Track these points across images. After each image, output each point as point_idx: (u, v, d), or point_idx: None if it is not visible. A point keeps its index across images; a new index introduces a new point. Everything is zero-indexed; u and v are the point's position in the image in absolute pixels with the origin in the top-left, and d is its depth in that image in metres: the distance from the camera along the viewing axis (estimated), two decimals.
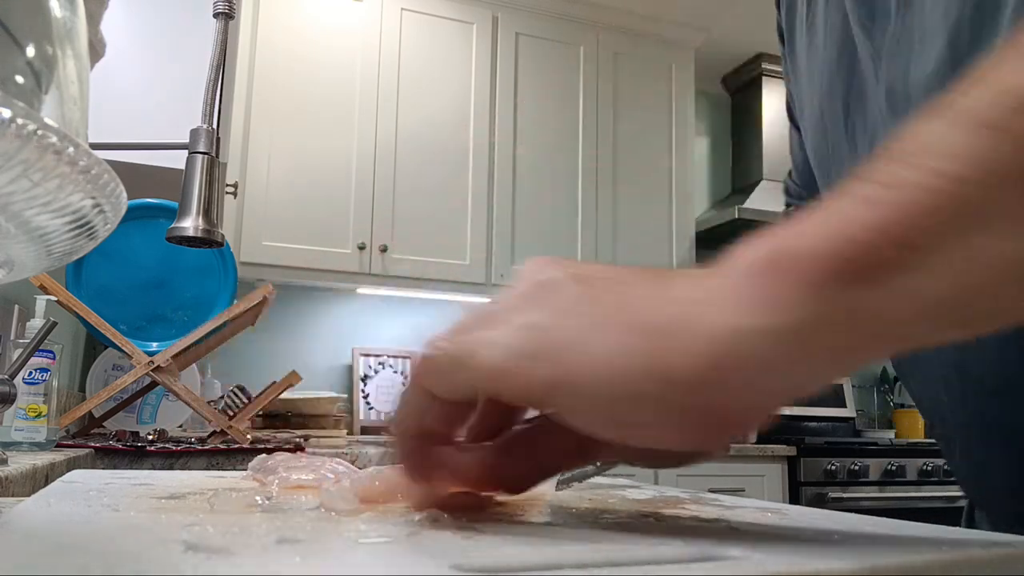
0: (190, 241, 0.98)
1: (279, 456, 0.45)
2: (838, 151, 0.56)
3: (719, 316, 0.25)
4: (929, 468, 2.70)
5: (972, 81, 0.25)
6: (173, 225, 0.98)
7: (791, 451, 2.62)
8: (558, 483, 0.39)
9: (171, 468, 1.20)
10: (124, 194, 0.24)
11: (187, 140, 1.01)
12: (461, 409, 0.30)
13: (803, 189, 0.71)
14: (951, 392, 0.48)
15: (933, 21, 0.43)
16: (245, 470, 0.45)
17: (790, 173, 0.76)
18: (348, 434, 2.46)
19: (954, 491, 2.42)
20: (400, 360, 2.90)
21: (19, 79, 0.23)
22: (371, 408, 2.83)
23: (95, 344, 1.99)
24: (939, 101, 0.25)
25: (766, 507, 0.37)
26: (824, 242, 0.24)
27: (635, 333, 0.26)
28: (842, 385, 3.29)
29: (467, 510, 0.31)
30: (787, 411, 3.01)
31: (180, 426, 1.88)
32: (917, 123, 0.25)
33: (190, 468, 1.20)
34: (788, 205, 0.77)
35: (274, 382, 1.57)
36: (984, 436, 0.48)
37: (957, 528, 0.29)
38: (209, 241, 0.99)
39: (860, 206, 0.24)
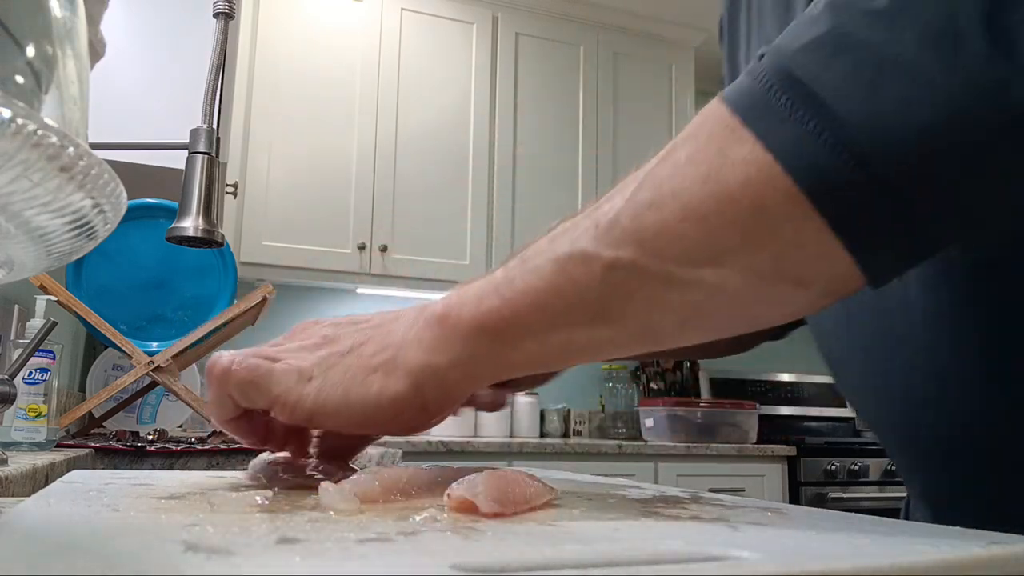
0: (190, 241, 0.98)
1: (280, 456, 0.45)
2: None
3: (414, 356, 0.40)
4: None
5: (570, 221, 0.39)
6: (173, 225, 0.98)
7: (791, 451, 2.62)
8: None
9: (171, 468, 1.20)
10: (124, 194, 0.24)
11: (187, 140, 1.01)
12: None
13: None
14: (879, 402, 0.53)
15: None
16: (245, 470, 0.45)
17: None
18: None
19: None
20: None
21: (19, 79, 0.23)
22: None
23: (95, 344, 1.99)
24: (553, 226, 0.39)
25: (766, 507, 0.37)
26: (470, 310, 0.39)
27: (367, 374, 0.40)
28: None
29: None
30: (787, 411, 3.02)
31: (180, 426, 1.88)
32: (538, 238, 0.40)
33: (190, 468, 1.20)
34: None
35: None
36: (910, 443, 0.52)
37: (957, 528, 0.29)
38: (209, 241, 0.99)
39: (493, 292, 0.38)
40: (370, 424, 0.41)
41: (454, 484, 0.34)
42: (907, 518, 0.59)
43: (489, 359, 0.39)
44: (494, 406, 0.52)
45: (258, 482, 0.43)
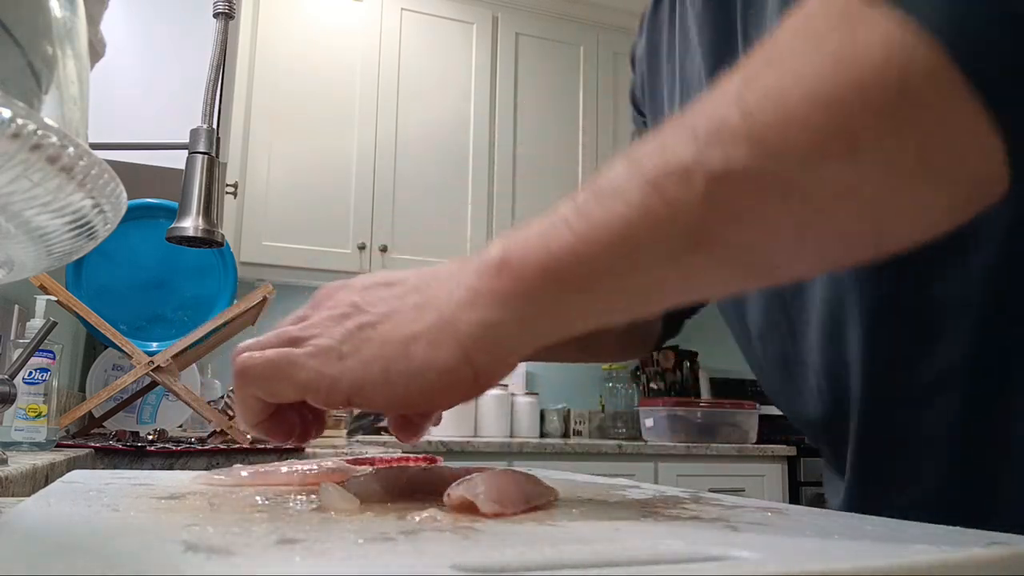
0: (190, 241, 0.98)
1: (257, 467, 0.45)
2: None
3: (466, 317, 0.34)
4: None
5: (655, 137, 0.32)
6: (173, 225, 0.98)
7: (791, 451, 2.62)
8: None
9: (171, 468, 1.20)
10: (124, 194, 0.24)
11: (187, 140, 1.01)
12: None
13: None
14: (824, 400, 0.51)
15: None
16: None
17: None
18: (348, 435, 2.46)
19: None
20: None
21: (19, 79, 0.23)
22: None
23: (95, 344, 1.99)
24: (632, 146, 0.33)
25: (766, 507, 0.37)
26: (535, 253, 0.33)
27: (408, 344, 0.35)
28: None
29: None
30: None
31: (180, 426, 1.88)
32: (611, 162, 0.33)
33: (190, 468, 1.20)
34: None
35: None
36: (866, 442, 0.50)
37: (957, 528, 0.29)
38: (209, 241, 0.99)
39: (565, 229, 0.32)
40: (419, 402, 0.36)
41: (454, 484, 0.34)
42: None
43: (558, 312, 0.33)
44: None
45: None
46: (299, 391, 0.36)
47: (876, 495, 0.49)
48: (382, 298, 0.38)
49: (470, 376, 0.34)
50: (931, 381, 0.44)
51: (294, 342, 0.37)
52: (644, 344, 0.71)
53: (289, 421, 0.40)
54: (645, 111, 0.74)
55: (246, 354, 0.37)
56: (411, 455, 0.56)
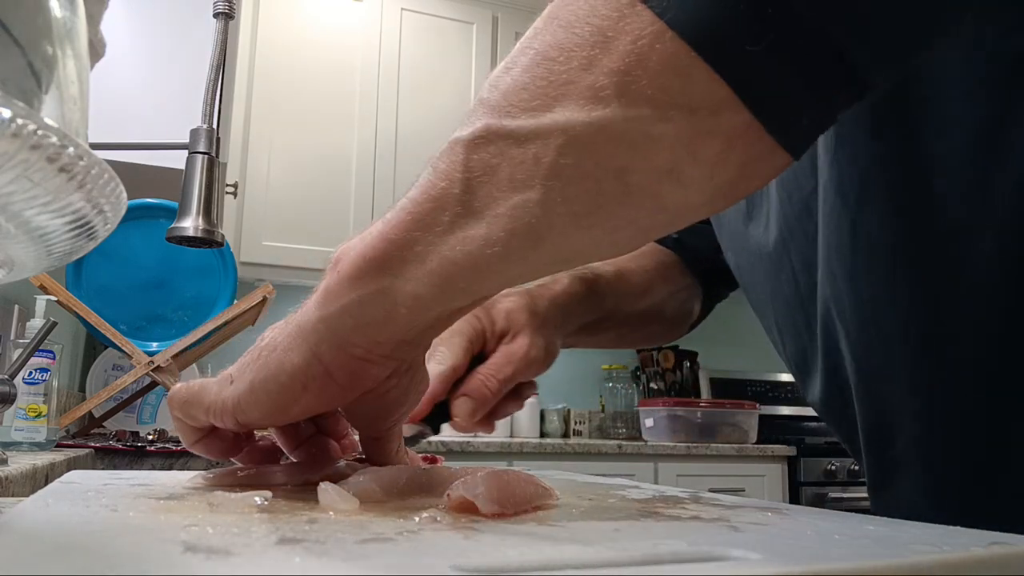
0: (190, 241, 0.98)
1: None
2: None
3: (308, 317, 0.36)
4: None
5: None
6: (173, 225, 0.98)
7: (791, 451, 2.62)
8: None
9: (171, 468, 1.20)
10: (124, 194, 0.24)
11: (187, 140, 1.01)
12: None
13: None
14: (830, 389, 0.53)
15: None
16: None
17: None
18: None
19: None
20: None
21: (19, 79, 0.23)
22: None
23: (95, 344, 1.99)
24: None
25: (766, 507, 0.37)
26: (356, 245, 0.34)
27: (270, 354, 0.37)
28: None
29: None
30: (787, 411, 3.01)
31: None
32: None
33: (190, 468, 1.20)
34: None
35: None
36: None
37: (957, 528, 0.29)
38: (209, 241, 0.99)
39: (379, 221, 0.34)
40: (283, 408, 0.37)
41: (454, 484, 0.34)
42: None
43: (379, 298, 0.34)
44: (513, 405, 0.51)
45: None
46: (205, 414, 0.40)
47: (889, 484, 0.51)
48: (279, 327, 0.39)
49: (321, 372, 0.36)
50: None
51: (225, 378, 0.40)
52: (679, 326, 0.74)
53: (221, 440, 0.42)
54: None
55: (177, 385, 0.41)
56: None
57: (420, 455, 0.49)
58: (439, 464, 0.46)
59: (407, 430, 0.52)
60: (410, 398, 0.40)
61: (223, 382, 0.39)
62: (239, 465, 0.44)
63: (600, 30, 0.29)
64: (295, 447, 0.43)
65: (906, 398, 0.47)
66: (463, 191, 0.32)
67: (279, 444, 0.44)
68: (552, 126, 0.30)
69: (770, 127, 0.29)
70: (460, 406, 0.55)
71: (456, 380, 0.56)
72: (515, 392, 0.60)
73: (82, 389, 1.98)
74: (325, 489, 0.34)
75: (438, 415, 0.55)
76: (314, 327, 0.35)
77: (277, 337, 0.37)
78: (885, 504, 0.51)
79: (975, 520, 0.31)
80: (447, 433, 2.77)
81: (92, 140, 0.30)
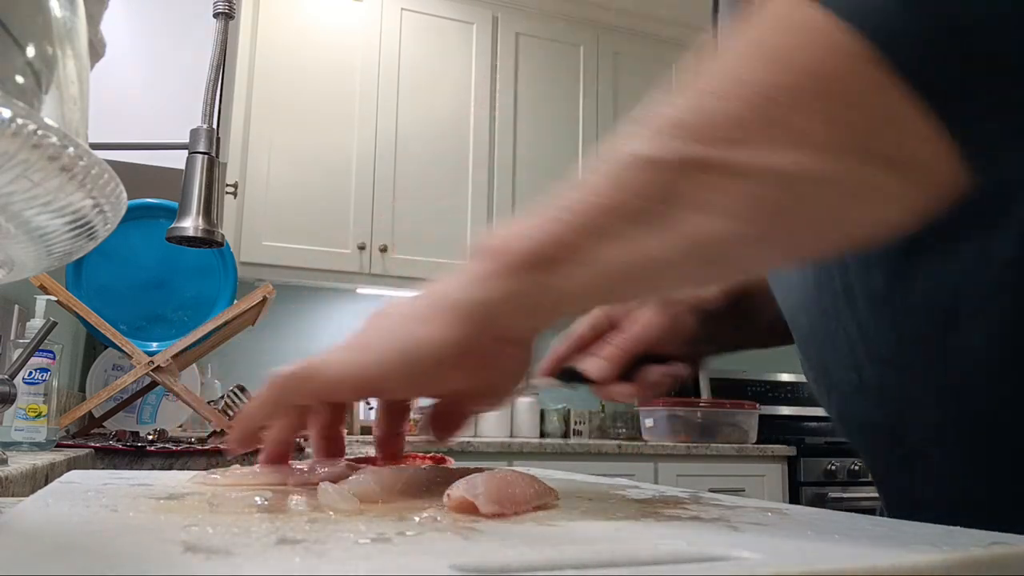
0: (190, 241, 0.98)
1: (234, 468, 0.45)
2: None
3: (460, 295, 0.37)
4: None
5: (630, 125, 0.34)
6: (173, 225, 0.98)
7: (791, 451, 2.62)
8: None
9: (171, 468, 1.20)
10: (124, 194, 0.24)
11: (187, 140, 1.01)
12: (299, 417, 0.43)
13: None
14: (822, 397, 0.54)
15: None
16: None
17: None
18: (348, 434, 2.45)
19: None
20: None
21: (19, 79, 0.23)
22: (371, 408, 2.82)
23: (95, 344, 1.99)
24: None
25: (766, 507, 0.37)
26: (520, 240, 0.36)
27: (407, 323, 0.38)
28: None
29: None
30: (787, 411, 3.00)
31: (180, 426, 1.88)
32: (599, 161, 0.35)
33: (190, 468, 1.20)
34: None
35: None
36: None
37: (957, 528, 0.29)
38: (209, 241, 0.99)
39: (546, 216, 0.36)
40: (420, 379, 0.38)
41: (454, 484, 0.34)
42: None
43: (541, 292, 0.36)
44: (666, 383, 0.52)
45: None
46: (325, 387, 0.39)
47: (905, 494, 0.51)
48: (395, 304, 0.41)
49: (468, 349, 0.37)
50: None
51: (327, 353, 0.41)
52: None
53: (287, 435, 0.43)
54: None
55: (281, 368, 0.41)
56: (418, 454, 0.56)
57: (427, 455, 0.49)
58: (439, 464, 0.46)
59: (542, 383, 0.56)
60: (523, 375, 0.42)
61: (337, 354, 0.40)
62: (238, 465, 0.44)
63: (828, 78, 0.30)
64: (393, 431, 0.44)
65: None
66: (647, 207, 0.33)
67: (380, 423, 0.44)
68: (775, 168, 0.30)
69: (975, 175, 0.30)
70: (589, 363, 0.56)
71: (582, 347, 0.58)
72: (657, 363, 0.59)
73: (82, 389, 1.98)
74: (325, 489, 0.34)
75: (565, 374, 0.58)
76: (469, 308, 0.37)
77: (405, 314, 0.39)
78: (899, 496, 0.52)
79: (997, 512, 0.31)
80: None
81: (92, 140, 0.30)
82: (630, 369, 0.57)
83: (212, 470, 0.44)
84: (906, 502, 0.51)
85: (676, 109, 0.33)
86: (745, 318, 0.66)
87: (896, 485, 0.52)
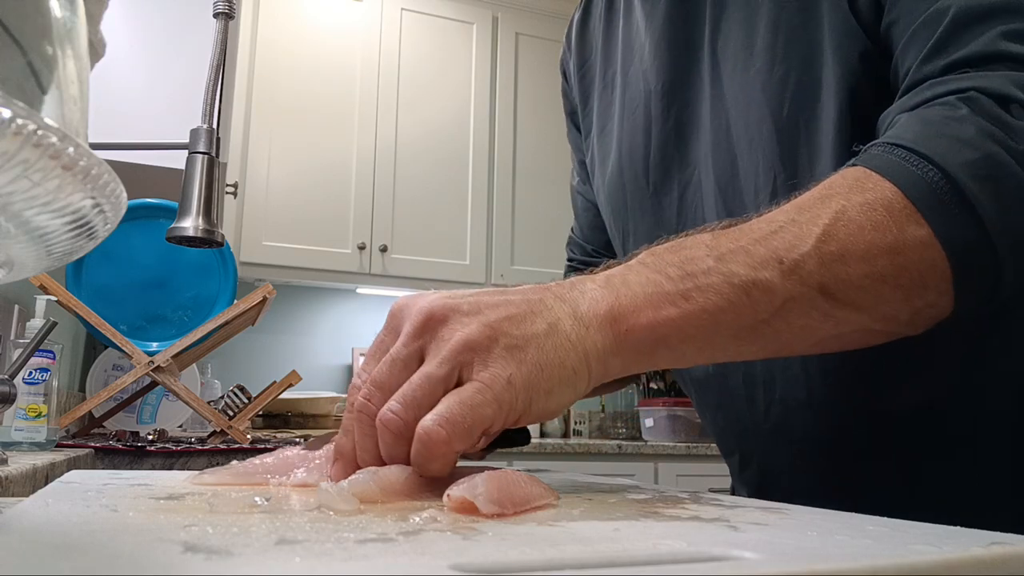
0: (190, 241, 0.98)
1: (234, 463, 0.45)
2: (636, 201, 0.71)
3: (594, 362, 0.43)
4: None
5: (738, 236, 0.44)
6: (173, 225, 0.98)
7: None
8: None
9: (171, 468, 1.20)
10: (124, 194, 0.24)
11: (187, 140, 1.01)
12: None
13: (588, 244, 0.86)
14: (754, 410, 0.63)
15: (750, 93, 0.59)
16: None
17: (572, 230, 0.90)
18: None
19: None
20: None
21: (19, 79, 0.23)
22: None
23: (95, 344, 1.99)
24: (739, 229, 0.45)
25: (766, 507, 0.37)
26: (648, 316, 0.42)
27: (558, 379, 0.42)
28: None
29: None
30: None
31: (180, 426, 1.88)
32: (719, 241, 0.44)
33: (190, 468, 1.20)
34: (570, 262, 0.89)
35: (274, 382, 1.57)
36: (784, 447, 0.62)
37: (957, 528, 0.29)
38: (209, 241, 0.99)
39: (667, 302, 0.43)
40: (555, 413, 0.44)
41: (454, 484, 0.34)
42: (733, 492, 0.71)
43: (647, 361, 0.44)
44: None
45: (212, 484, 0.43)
46: (486, 424, 0.41)
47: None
48: (510, 320, 0.42)
49: (582, 393, 0.44)
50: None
51: (446, 380, 0.40)
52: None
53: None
54: (580, 125, 0.86)
55: (427, 422, 0.39)
56: None
57: None
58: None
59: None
60: None
61: (497, 386, 0.40)
62: (237, 465, 0.44)
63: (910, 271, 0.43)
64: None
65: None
66: (763, 325, 0.43)
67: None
68: (858, 321, 0.44)
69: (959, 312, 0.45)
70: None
71: None
72: None
73: (82, 389, 1.98)
74: (325, 489, 0.34)
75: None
76: (596, 371, 0.43)
77: (548, 350, 0.41)
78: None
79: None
80: None
81: (92, 140, 0.30)
82: None
83: (204, 470, 0.44)
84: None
85: (802, 254, 0.42)
86: None
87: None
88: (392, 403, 0.40)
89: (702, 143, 0.64)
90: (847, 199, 0.43)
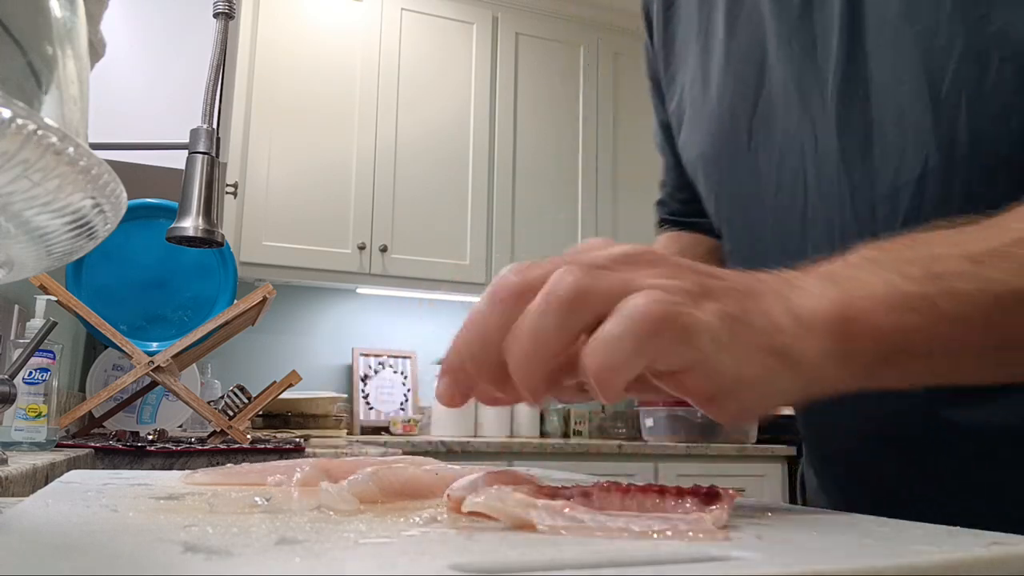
0: (190, 241, 0.98)
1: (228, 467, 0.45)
2: (728, 157, 0.64)
3: (811, 361, 0.36)
4: None
5: (1006, 242, 0.37)
6: (173, 225, 0.98)
7: (791, 451, 2.62)
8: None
9: (171, 468, 1.20)
10: (124, 194, 0.24)
11: (187, 140, 1.01)
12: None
13: (681, 204, 0.79)
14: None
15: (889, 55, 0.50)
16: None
17: (662, 184, 0.83)
18: (348, 434, 2.46)
19: None
20: (400, 360, 2.89)
21: (19, 79, 0.23)
22: (371, 408, 2.82)
23: (95, 344, 1.99)
24: (980, 231, 0.38)
25: (766, 507, 0.37)
26: (883, 319, 0.36)
27: (772, 360, 0.35)
28: None
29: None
30: (788, 412, 3.01)
31: (180, 426, 1.88)
32: (965, 238, 0.38)
33: (190, 468, 1.20)
34: (663, 222, 0.83)
35: (274, 382, 1.57)
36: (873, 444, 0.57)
37: (957, 528, 0.29)
38: (209, 241, 0.99)
39: (906, 307, 0.36)
40: (740, 408, 0.36)
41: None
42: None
43: (864, 375, 0.37)
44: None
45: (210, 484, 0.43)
46: (683, 363, 0.33)
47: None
48: (722, 287, 0.35)
49: (784, 398, 0.37)
50: None
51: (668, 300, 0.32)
52: None
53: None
54: (664, 90, 0.78)
55: (641, 296, 0.32)
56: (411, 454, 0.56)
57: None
58: (437, 464, 0.46)
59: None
60: None
61: (712, 337, 0.33)
62: (237, 464, 0.44)
63: None
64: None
65: None
66: (1016, 336, 0.38)
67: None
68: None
69: None
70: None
71: None
72: None
73: (82, 389, 1.98)
74: (325, 489, 0.34)
75: None
76: (814, 375, 0.36)
77: (756, 324, 0.35)
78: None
79: None
80: (447, 433, 2.76)
81: (92, 140, 0.30)
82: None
83: (200, 469, 0.44)
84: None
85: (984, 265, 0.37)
86: None
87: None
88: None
89: (827, 103, 0.54)
90: None
